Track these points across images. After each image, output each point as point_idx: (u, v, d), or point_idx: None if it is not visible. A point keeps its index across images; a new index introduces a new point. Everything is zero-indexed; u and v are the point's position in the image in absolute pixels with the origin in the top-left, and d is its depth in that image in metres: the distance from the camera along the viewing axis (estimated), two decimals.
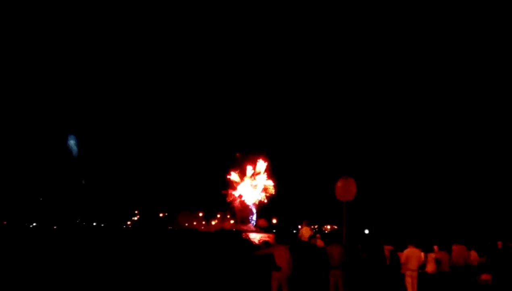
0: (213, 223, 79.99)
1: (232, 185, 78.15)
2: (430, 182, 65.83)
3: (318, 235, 15.77)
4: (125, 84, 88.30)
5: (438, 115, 73.73)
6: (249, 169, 77.73)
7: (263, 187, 77.54)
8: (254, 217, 77.59)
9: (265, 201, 77.36)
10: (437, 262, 13.56)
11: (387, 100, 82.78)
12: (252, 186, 77.51)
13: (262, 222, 72.62)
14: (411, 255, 11.68)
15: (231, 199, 77.79)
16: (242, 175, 78.08)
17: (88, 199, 79.43)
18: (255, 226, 75.18)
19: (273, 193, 77.06)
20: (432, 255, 13.71)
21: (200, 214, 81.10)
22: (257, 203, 77.80)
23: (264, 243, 11.51)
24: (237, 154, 77.50)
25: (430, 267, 13.48)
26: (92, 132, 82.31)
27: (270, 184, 77.25)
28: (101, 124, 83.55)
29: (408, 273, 11.66)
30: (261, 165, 77.57)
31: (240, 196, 77.96)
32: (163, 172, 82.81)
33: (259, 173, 77.53)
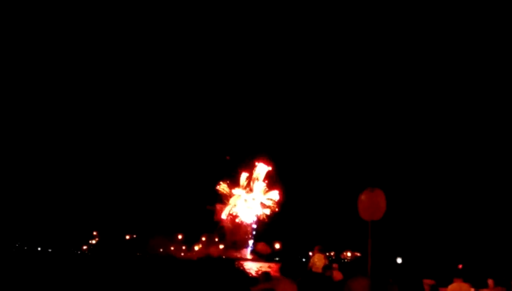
0: (196, 248, 79.59)
1: (222, 199, 77.75)
2: (483, 197, 65.94)
3: (335, 265, 15.79)
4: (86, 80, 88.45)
5: (486, 119, 74.00)
6: (244, 177, 77.41)
7: (262, 200, 77.19)
8: (251, 241, 77.33)
9: (265, 218, 76.96)
10: None
11: (424, 96, 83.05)
12: (248, 199, 77.13)
13: (262, 247, 72.37)
14: None
15: (220, 217, 77.29)
16: (234, 185, 77.68)
17: (30, 216, 79.29)
18: (252, 252, 74.96)
19: (275, 209, 76.80)
20: None
21: (180, 237, 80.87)
22: (254, 221, 77.44)
23: (264, 275, 11.44)
24: (227, 157, 77.08)
25: None
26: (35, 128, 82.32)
27: (273, 196, 76.72)
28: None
29: None
30: (261, 169, 77.15)
31: (231, 214, 77.54)
32: (131, 180, 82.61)
33: (256, 180, 77.06)
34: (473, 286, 12.85)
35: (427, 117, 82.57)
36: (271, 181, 76.92)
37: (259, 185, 76.89)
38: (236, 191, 77.02)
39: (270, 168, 76.49)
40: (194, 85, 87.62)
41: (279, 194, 76.11)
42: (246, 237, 77.63)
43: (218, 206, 77.03)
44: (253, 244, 76.00)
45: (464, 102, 77.83)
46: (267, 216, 76.59)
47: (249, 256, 72.33)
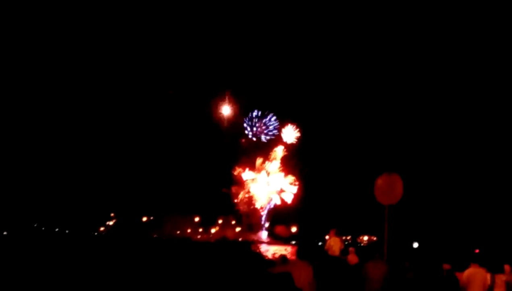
0: (212, 230, 79.60)
1: (239, 182, 77.64)
2: (501, 181, 65.52)
3: (351, 249, 15.79)
4: (100, 73, 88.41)
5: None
6: (259, 161, 77.35)
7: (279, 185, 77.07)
8: (267, 224, 77.27)
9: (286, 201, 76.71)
10: (508, 286, 13.51)
11: (442, 80, 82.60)
12: (263, 182, 77.02)
13: (282, 230, 72.40)
14: (474, 277, 11.62)
15: (238, 199, 77.18)
16: (251, 169, 77.55)
17: (49, 197, 79.80)
18: (269, 234, 74.97)
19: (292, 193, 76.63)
20: (502, 277, 13.65)
21: (196, 219, 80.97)
22: (270, 204, 77.35)
23: (282, 258, 11.48)
24: (242, 140, 76.94)
25: None
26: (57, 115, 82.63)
27: (288, 185, 76.66)
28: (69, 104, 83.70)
29: None
30: (278, 151, 77.05)
31: (249, 196, 77.49)
32: (148, 163, 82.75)
33: (272, 161, 76.89)
34: (489, 271, 12.78)
35: (445, 102, 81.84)
36: (288, 165, 77.03)
37: (274, 166, 76.92)
38: (249, 174, 77.21)
39: (284, 151, 76.73)
40: (212, 65, 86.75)
41: (296, 179, 76.27)
42: (262, 220, 77.76)
43: (233, 189, 77.16)
44: (270, 226, 76.10)
45: (482, 88, 77.07)
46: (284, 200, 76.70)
47: (265, 239, 72.41)
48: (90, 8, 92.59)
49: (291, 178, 76.58)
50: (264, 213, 77.30)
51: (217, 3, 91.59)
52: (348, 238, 76.01)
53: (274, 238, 70.71)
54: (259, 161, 77.00)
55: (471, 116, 76.06)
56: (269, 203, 77.16)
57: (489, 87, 76.22)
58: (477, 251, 14.47)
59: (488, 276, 12.50)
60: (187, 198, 76.31)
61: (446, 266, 14.19)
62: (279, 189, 76.62)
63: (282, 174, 76.79)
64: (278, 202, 76.21)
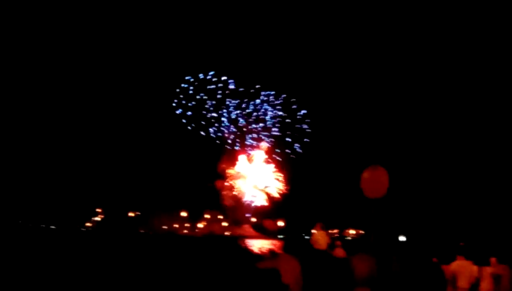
0: (199, 225, 79.85)
1: (224, 177, 77.90)
2: (486, 175, 65.95)
3: (338, 242, 15.82)
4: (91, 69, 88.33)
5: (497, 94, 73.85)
6: (243, 158, 77.73)
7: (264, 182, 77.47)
8: (253, 219, 77.44)
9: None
10: (495, 278, 13.55)
11: (427, 74, 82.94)
12: (248, 178, 77.37)
13: (270, 224, 72.31)
14: (461, 270, 11.67)
15: (222, 194, 77.29)
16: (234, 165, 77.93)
17: (34, 193, 79.46)
18: (256, 229, 74.98)
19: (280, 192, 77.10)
20: (488, 270, 13.69)
21: (183, 214, 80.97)
22: (254, 200, 77.71)
23: (272, 253, 11.45)
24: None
25: (486, 285, 13.46)
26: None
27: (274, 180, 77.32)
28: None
29: None
30: (259, 153, 77.66)
31: (232, 191, 77.68)
32: (134, 158, 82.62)
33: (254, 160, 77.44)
34: (476, 263, 12.83)
35: (430, 95, 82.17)
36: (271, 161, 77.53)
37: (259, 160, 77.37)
38: (233, 170, 77.60)
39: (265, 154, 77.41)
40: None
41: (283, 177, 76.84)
42: (248, 214, 78.00)
43: (219, 184, 77.28)
44: (258, 220, 76.25)
45: (464, 83, 77.50)
46: (271, 196, 77.17)
47: (250, 232, 72.47)
48: (90, 8, 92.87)
49: (276, 174, 77.12)
50: (250, 208, 77.70)
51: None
52: (335, 232, 76.25)
53: (261, 232, 70.74)
54: (242, 159, 77.54)
55: (455, 110, 76.39)
56: (254, 197, 77.55)
57: (475, 82, 76.53)
58: (462, 244, 14.47)
59: (475, 268, 12.54)
60: (174, 193, 76.38)
61: (433, 259, 14.25)
62: (263, 185, 77.12)
63: (269, 166, 77.29)
64: (263, 199, 76.70)
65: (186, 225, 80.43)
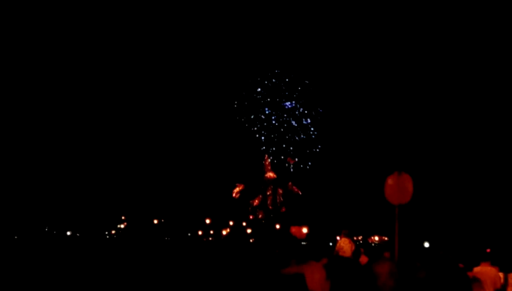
0: (224, 232, 79.84)
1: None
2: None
3: (360, 249, 15.87)
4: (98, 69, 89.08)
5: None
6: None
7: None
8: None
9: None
10: None
11: (454, 80, 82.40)
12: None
13: (297, 231, 71.76)
14: (485, 276, 11.60)
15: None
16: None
17: (59, 201, 79.97)
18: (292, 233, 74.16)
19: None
20: None
21: (207, 221, 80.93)
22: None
23: (296, 259, 11.46)
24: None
25: None
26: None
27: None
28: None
29: None
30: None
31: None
32: (159, 165, 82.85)
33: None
34: (501, 270, 12.74)
35: (456, 102, 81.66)
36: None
37: None
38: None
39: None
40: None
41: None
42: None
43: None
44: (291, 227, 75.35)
45: (491, 91, 76.90)
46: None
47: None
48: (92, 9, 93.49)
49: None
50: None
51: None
52: (360, 238, 76.01)
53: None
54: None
55: (482, 115, 75.82)
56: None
57: (503, 89, 75.91)
58: (488, 250, 14.36)
59: (501, 275, 12.44)
60: (199, 200, 76.52)
61: (460, 265, 14.15)
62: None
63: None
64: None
65: (211, 232, 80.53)
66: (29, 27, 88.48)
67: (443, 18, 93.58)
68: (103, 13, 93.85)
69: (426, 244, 51.44)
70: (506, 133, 69.79)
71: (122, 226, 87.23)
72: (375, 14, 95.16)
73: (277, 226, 76.41)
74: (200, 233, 79.29)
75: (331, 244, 50.88)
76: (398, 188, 12.48)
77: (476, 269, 11.86)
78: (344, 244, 14.69)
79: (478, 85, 77.72)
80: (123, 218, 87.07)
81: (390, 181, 12.55)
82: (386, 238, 75.40)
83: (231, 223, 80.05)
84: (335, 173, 77.21)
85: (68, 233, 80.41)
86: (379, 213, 55.16)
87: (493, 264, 11.85)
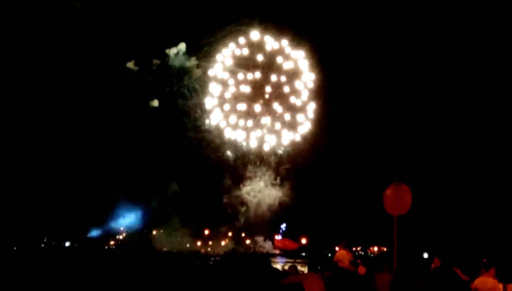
0: (222, 243, 79.40)
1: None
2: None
3: (358, 261, 15.89)
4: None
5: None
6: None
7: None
8: (277, 237, 76.35)
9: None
10: None
11: (450, 90, 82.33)
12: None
13: (287, 243, 71.39)
14: (485, 287, 11.57)
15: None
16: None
17: (57, 211, 79.80)
18: (275, 247, 73.85)
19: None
20: None
21: (206, 232, 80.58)
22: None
23: (293, 268, 11.51)
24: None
25: None
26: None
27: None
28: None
29: None
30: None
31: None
32: (157, 176, 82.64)
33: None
34: (500, 281, 12.71)
35: (453, 112, 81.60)
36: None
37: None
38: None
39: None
40: None
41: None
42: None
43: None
44: (275, 240, 74.75)
45: (494, 102, 76.79)
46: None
47: (275, 251, 71.78)
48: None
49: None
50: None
51: None
52: (359, 249, 75.94)
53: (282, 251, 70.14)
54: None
55: (482, 127, 75.77)
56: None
57: (503, 102, 75.82)
58: (484, 260, 14.32)
59: (500, 286, 12.43)
60: (197, 211, 76.15)
61: (464, 278, 14.07)
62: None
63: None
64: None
65: (209, 242, 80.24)
66: (30, 27, 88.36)
67: (444, 25, 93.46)
68: (103, 13, 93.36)
69: (425, 255, 51.39)
70: (505, 145, 69.86)
71: (121, 236, 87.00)
72: (370, 22, 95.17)
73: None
74: (198, 244, 79.04)
75: (330, 254, 50.84)
76: (396, 198, 12.49)
77: (477, 280, 11.86)
78: (342, 256, 14.72)
79: (477, 97, 77.67)
80: (121, 228, 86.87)
81: (389, 192, 12.57)
82: (385, 249, 75.39)
83: (229, 234, 79.81)
84: (333, 183, 77.15)
85: (67, 244, 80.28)
86: (378, 224, 55.13)
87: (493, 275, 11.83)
